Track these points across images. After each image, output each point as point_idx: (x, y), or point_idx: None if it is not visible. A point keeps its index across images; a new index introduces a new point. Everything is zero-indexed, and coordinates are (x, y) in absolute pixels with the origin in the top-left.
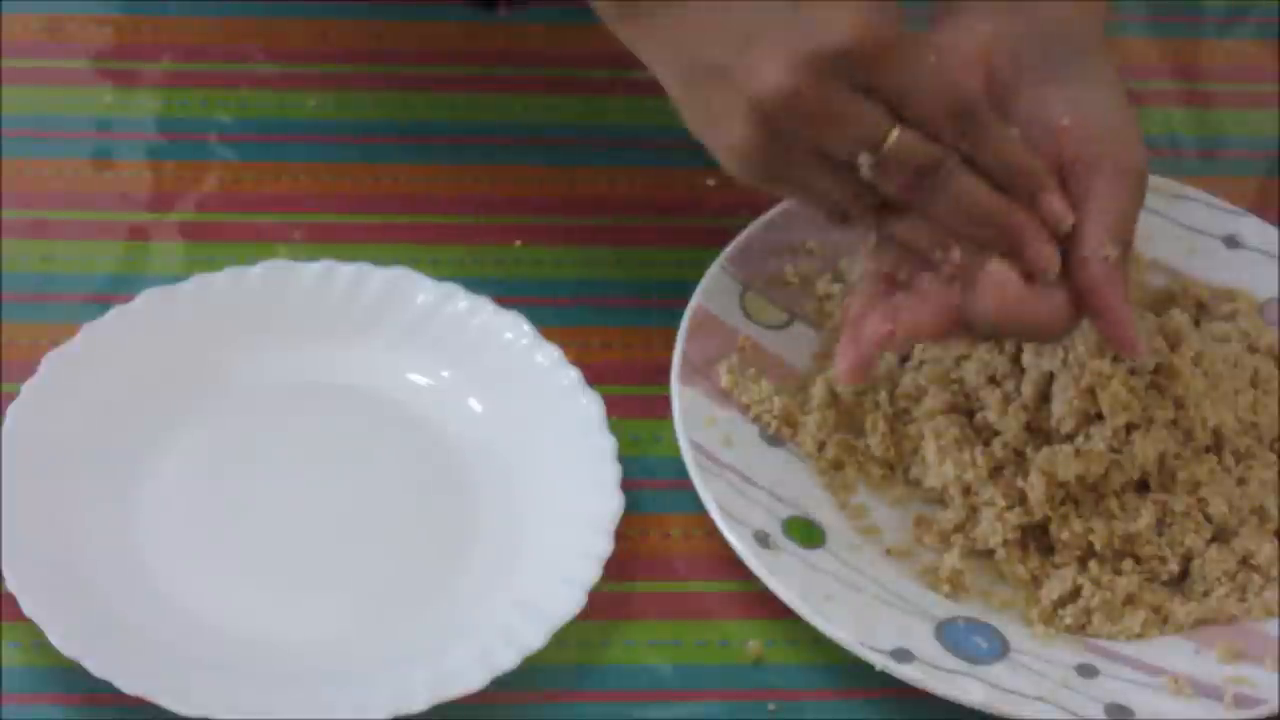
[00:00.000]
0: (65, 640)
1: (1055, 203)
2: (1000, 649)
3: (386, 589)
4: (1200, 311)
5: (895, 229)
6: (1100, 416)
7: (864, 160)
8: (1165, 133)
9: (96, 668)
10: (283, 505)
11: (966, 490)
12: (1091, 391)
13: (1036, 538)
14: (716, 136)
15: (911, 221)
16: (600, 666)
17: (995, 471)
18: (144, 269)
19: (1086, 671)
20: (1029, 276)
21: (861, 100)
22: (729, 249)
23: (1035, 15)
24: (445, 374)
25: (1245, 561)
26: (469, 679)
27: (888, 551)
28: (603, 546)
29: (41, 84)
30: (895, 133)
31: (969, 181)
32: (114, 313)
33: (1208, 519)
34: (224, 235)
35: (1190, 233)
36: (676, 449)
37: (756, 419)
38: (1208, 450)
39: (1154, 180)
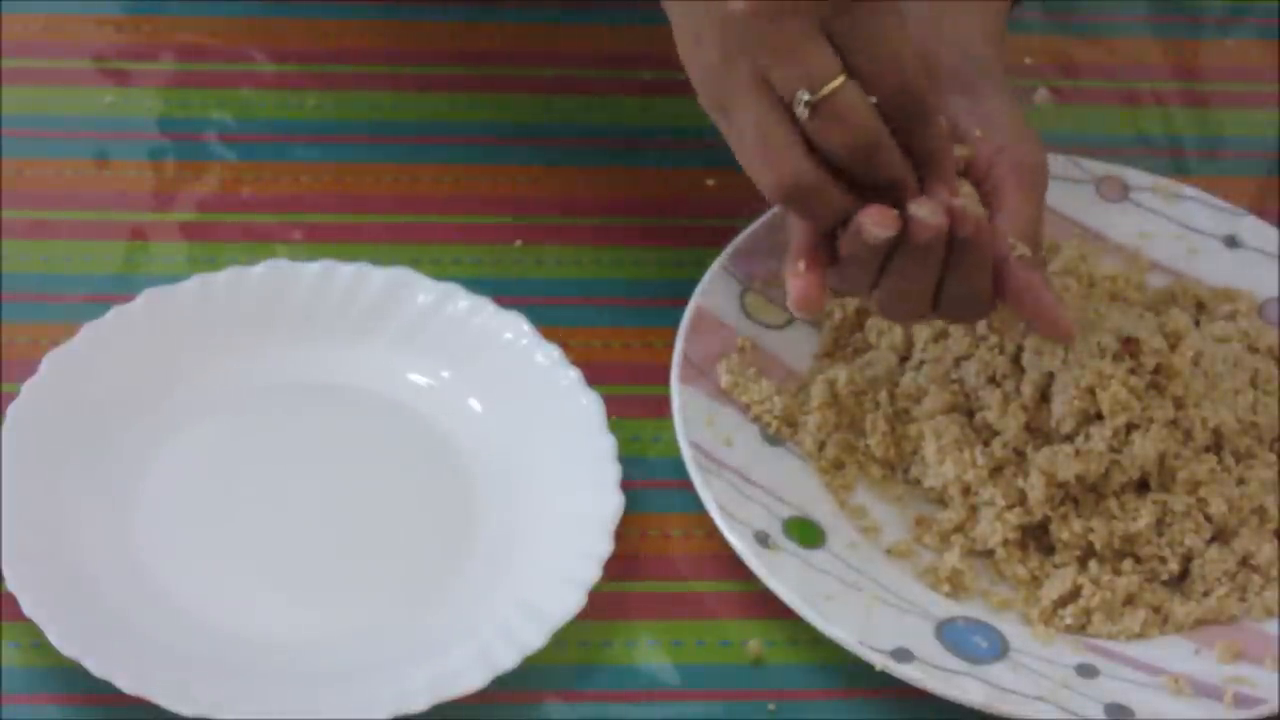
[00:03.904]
0: (65, 640)
1: (943, 192)
2: (1000, 649)
3: (386, 589)
4: (1200, 311)
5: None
6: (1100, 416)
7: (801, 98)
8: (1165, 133)
9: (96, 668)
10: (283, 505)
11: (966, 490)
12: (1091, 391)
13: (1036, 538)
14: (695, 53)
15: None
16: (600, 666)
17: (995, 471)
18: (144, 269)
19: (1086, 671)
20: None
21: (819, 40)
22: (729, 249)
23: (942, 31)
24: (445, 374)
25: (1245, 561)
26: (469, 679)
27: (888, 551)
28: (603, 546)
29: (42, 84)
30: (839, 81)
31: (893, 157)
32: (114, 313)
33: (1208, 519)
34: (224, 235)
35: (1190, 233)
36: (676, 449)
37: (756, 419)
38: (1208, 450)
39: (1154, 180)
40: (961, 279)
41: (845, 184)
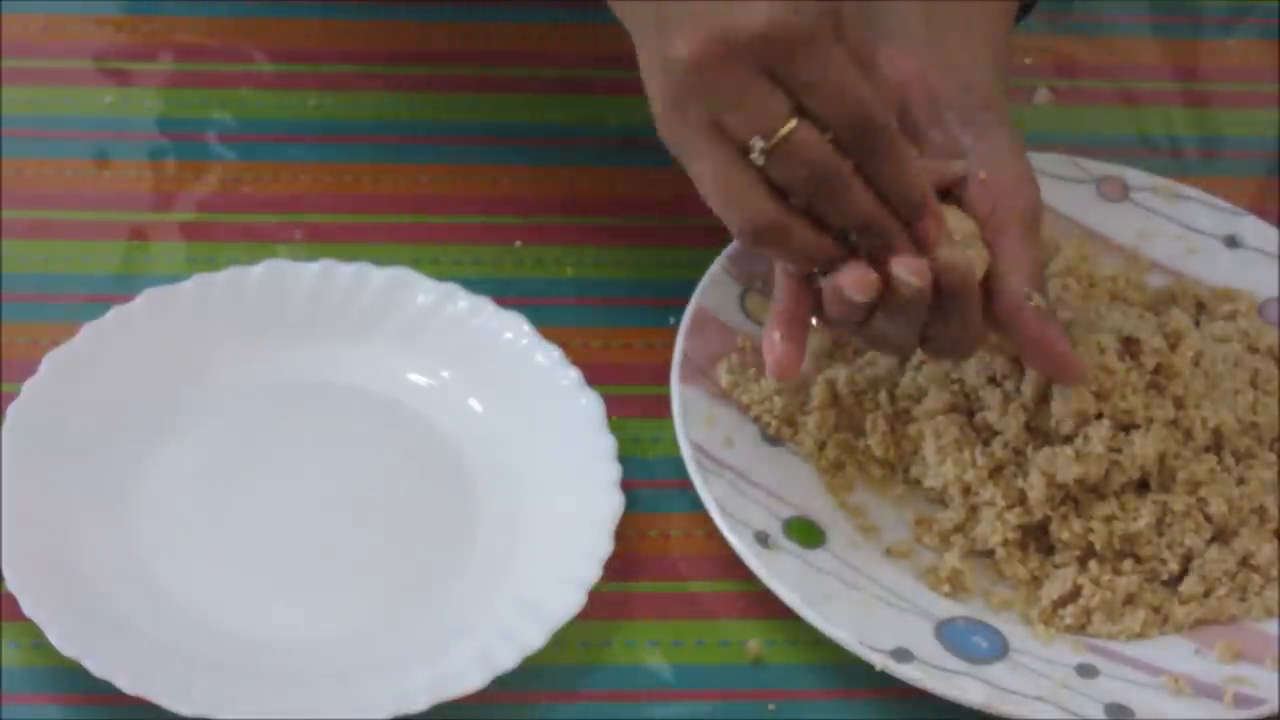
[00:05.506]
0: (65, 640)
1: (930, 229)
2: (1000, 649)
3: (386, 589)
4: (1200, 311)
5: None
6: (1100, 416)
7: (756, 144)
8: (1165, 133)
9: (96, 668)
10: (283, 505)
11: (966, 490)
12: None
13: (1036, 538)
14: (647, 87)
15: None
16: (600, 666)
17: (995, 471)
18: (144, 269)
19: (1086, 671)
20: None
21: (765, 85)
22: (729, 249)
23: (941, 61)
24: (445, 374)
25: (1245, 561)
26: (469, 679)
27: (888, 551)
28: (603, 546)
29: (41, 84)
30: (792, 124)
31: (859, 193)
32: (114, 313)
33: (1208, 519)
34: (224, 235)
35: (1190, 233)
36: (676, 449)
37: (756, 419)
38: (1208, 450)
39: (1154, 180)
40: (948, 324)
41: (817, 226)
